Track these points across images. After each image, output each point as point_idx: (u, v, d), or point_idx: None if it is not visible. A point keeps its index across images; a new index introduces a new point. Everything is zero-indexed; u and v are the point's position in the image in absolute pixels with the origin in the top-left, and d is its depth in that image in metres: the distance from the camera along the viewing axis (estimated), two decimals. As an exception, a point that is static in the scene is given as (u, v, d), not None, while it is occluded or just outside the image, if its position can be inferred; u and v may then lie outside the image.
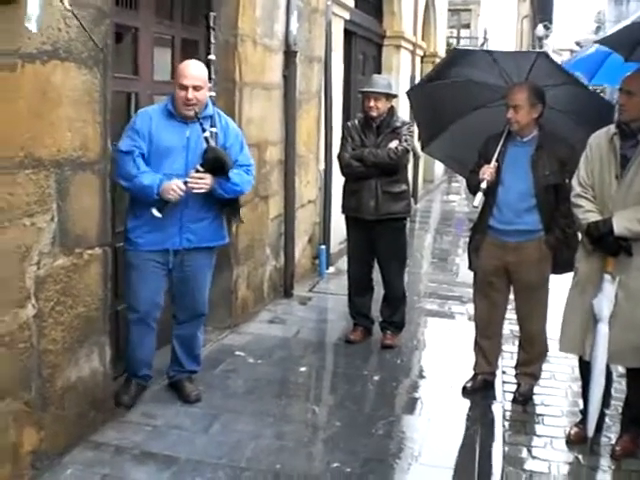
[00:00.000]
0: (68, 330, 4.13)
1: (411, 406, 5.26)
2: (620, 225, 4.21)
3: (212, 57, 4.81)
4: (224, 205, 4.90)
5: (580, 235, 4.62)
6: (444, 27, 19.70)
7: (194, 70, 4.65)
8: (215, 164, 4.57)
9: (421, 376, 5.85)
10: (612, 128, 4.41)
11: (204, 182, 4.59)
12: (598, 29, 43.32)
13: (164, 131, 4.64)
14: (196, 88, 4.58)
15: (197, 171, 4.57)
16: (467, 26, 31.70)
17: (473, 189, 5.20)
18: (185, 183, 4.53)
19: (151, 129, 4.61)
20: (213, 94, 4.77)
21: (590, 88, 6.03)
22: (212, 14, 4.87)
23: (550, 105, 5.07)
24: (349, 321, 6.66)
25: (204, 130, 4.59)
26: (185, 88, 4.56)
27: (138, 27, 5.27)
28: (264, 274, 7.29)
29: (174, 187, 4.46)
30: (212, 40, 4.84)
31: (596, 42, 5.63)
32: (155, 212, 4.50)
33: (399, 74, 13.28)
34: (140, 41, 5.31)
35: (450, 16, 24.19)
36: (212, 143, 4.61)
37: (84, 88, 4.11)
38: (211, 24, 4.83)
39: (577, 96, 5.14)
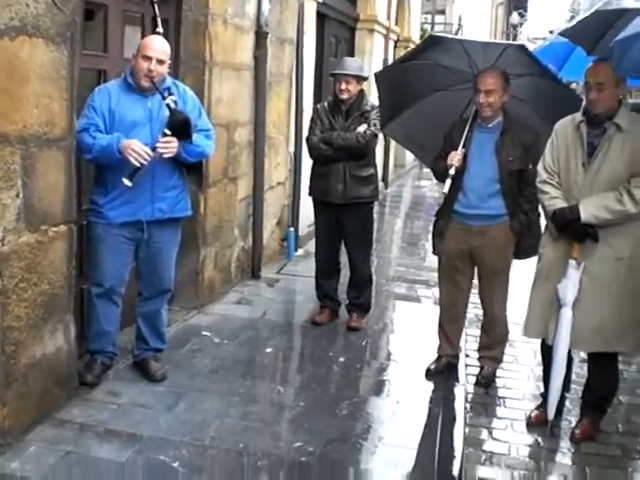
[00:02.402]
0: (32, 307, 4.12)
1: (375, 387, 5.31)
2: (587, 212, 4.26)
3: (160, 30, 4.91)
4: (189, 171, 4.98)
5: (545, 221, 4.67)
6: (418, 12, 19.69)
7: (159, 44, 4.71)
8: (181, 127, 4.63)
9: (385, 358, 5.89)
10: (578, 116, 4.44)
11: (172, 145, 4.63)
12: (572, 18, 43.49)
13: (126, 105, 4.68)
14: (160, 62, 4.64)
15: (164, 135, 4.61)
16: (442, 12, 31.77)
17: (440, 175, 5.24)
18: (153, 149, 4.56)
19: (111, 105, 4.64)
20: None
21: (563, 80, 6.05)
22: None
23: (512, 94, 5.12)
24: (316, 303, 6.69)
25: (164, 98, 4.63)
26: (149, 59, 4.60)
27: (107, 5, 5.24)
28: (232, 255, 7.30)
29: (134, 147, 4.48)
30: (156, 13, 4.94)
31: (559, 34, 5.62)
32: (125, 181, 4.50)
33: (372, 58, 13.26)
34: (109, 19, 5.27)
35: (425, 1, 24.18)
36: (175, 107, 4.66)
37: (51, 64, 4.08)
38: None
39: (542, 87, 5.17)
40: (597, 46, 4.53)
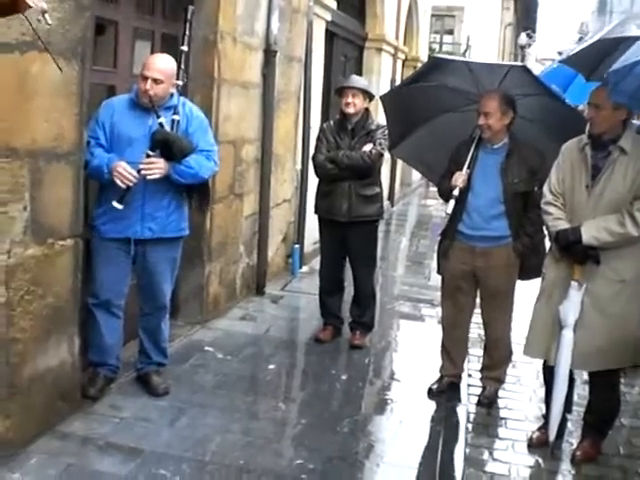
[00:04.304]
0: (37, 319, 4.14)
1: (377, 406, 5.31)
2: (588, 234, 4.28)
3: (184, 48, 4.87)
4: (191, 191, 4.94)
5: (549, 242, 4.69)
6: (427, 32, 19.76)
7: (159, 64, 4.69)
8: (163, 146, 4.60)
9: (388, 376, 5.90)
10: (584, 138, 4.46)
11: (156, 166, 4.61)
12: (581, 40, 43.52)
13: (126, 120, 4.69)
14: (156, 81, 4.61)
15: (148, 156, 4.60)
16: (450, 32, 31.80)
17: (444, 195, 5.26)
18: (139, 171, 4.56)
19: (112, 119, 4.67)
20: (180, 83, 4.80)
21: (566, 101, 6.08)
22: (191, 7, 4.98)
23: (520, 114, 5.16)
24: (320, 320, 6.70)
25: (158, 117, 4.62)
26: (145, 79, 4.61)
27: (118, 21, 5.30)
28: (237, 271, 7.31)
29: (120, 170, 4.49)
30: (186, 32, 4.91)
31: (560, 62, 5.66)
32: (115, 204, 4.53)
33: (380, 77, 13.33)
34: (120, 35, 5.33)
35: (434, 21, 24.27)
36: (167, 128, 4.65)
37: (61, 79, 4.10)
38: (188, 17, 4.92)
39: (548, 107, 5.20)
40: (594, 73, 4.58)
